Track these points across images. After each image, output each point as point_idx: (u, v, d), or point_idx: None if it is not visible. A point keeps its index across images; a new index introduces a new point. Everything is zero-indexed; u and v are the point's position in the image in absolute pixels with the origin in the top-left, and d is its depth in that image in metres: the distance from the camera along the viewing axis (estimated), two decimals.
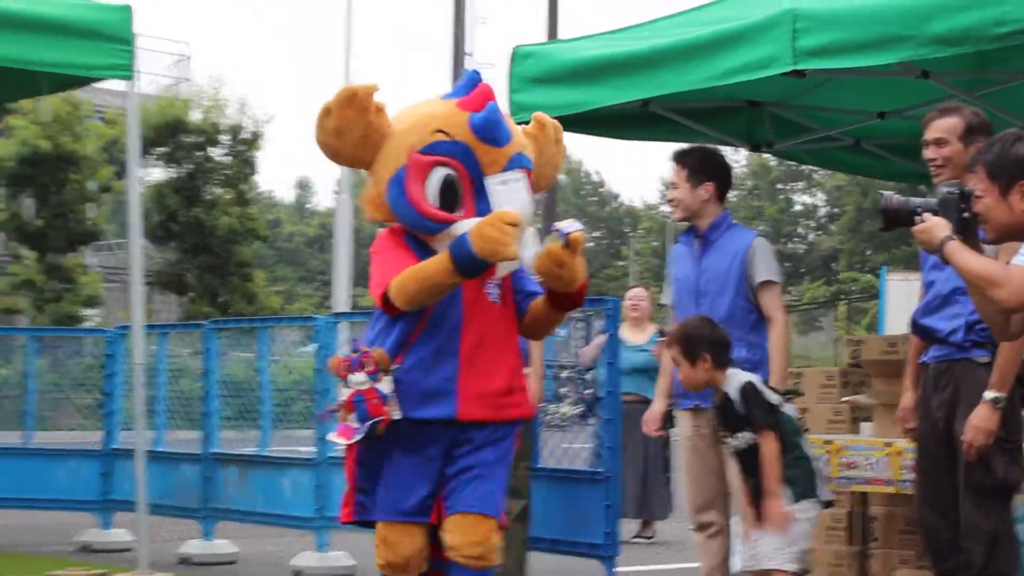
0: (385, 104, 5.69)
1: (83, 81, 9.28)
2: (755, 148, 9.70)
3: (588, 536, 8.24)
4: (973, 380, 6.36)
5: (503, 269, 5.57)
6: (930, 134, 6.76)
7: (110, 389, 11.51)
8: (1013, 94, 8.87)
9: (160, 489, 10.77)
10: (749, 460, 6.60)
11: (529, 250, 5.53)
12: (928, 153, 6.76)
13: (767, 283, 7.26)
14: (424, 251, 5.58)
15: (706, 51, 7.46)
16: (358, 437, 5.44)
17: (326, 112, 5.62)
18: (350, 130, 5.60)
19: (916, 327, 6.78)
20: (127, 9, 8.52)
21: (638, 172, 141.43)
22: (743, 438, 6.56)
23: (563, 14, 33.03)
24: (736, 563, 7.41)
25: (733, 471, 7.12)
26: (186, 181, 37.92)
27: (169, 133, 37.45)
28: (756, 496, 6.62)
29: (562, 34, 31.01)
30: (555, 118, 8.60)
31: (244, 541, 10.76)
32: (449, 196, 5.55)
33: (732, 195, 7.60)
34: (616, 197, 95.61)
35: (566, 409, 17.67)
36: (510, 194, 5.53)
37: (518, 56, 8.53)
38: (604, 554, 8.16)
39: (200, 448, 10.80)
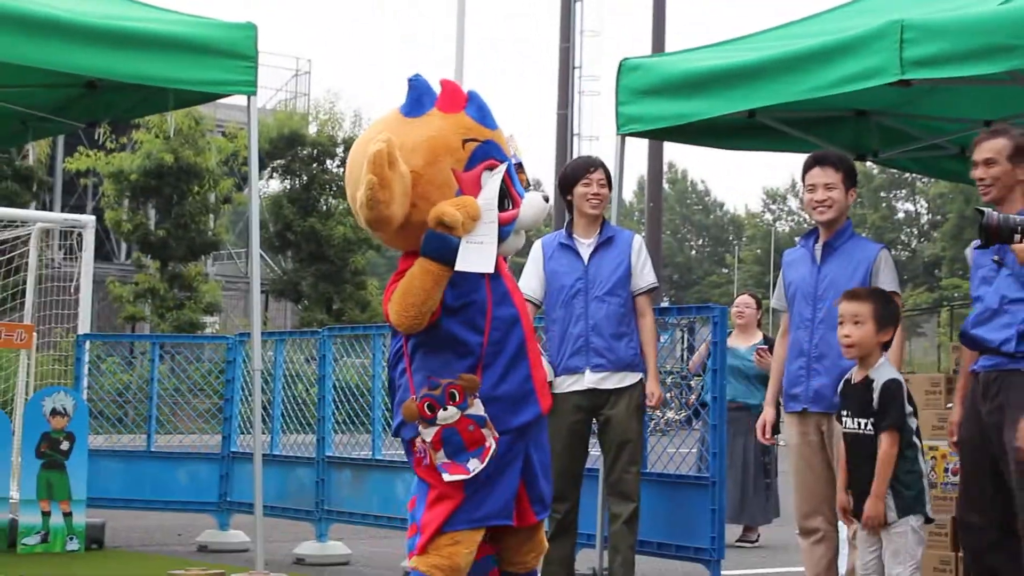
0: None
1: (209, 97, 9.33)
2: (860, 157, 9.63)
3: (694, 540, 8.20)
4: (1022, 389, 6.35)
5: (464, 264, 5.33)
6: (979, 155, 6.79)
7: (229, 394, 11.58)
8: None
9: (276, 491, 10.85)
10: (857, 450, 6.53)
11: (486, 244, 5.36)
12: (977, 172, 6.77)
13: (892, 294, 7.17)
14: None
15: (813, 62, 7.42)
16: (476, 469, 5.32)
17: (377, 192, 5.27)
18: (396, 196, 5.32)
19: (966, 338, 6.78)
20: (252, 27, 8.59)
21: (741, 182, 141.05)
22: (862, 424, 6.48)
23: (670, 27, 32.99)
24: (842, 566, 7.34)
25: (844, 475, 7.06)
26: (302, 192, 38.21)
27: (286, 146, 37.78)
28: (852, 487, 6.58)
29: (669, 47, 30.98)
30: (660, 130, 8.65)
31: (357, 543, 10.79)
32: (502, 195, 5.46)
33: (854, 201, 7.52)
34: (721, 206, 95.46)
35: (671, 414, 17.63)
36: (488, 184, 5.40)
37: (625, 69, 8.53)
38: (710, 557, 8.10)
39: (315, 452, 10.84)
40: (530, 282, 8.20)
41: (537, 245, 8.42)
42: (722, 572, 8.13)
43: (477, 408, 5.32)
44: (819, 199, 7.32)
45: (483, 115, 5.51)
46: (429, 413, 5.29)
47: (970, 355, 6.77)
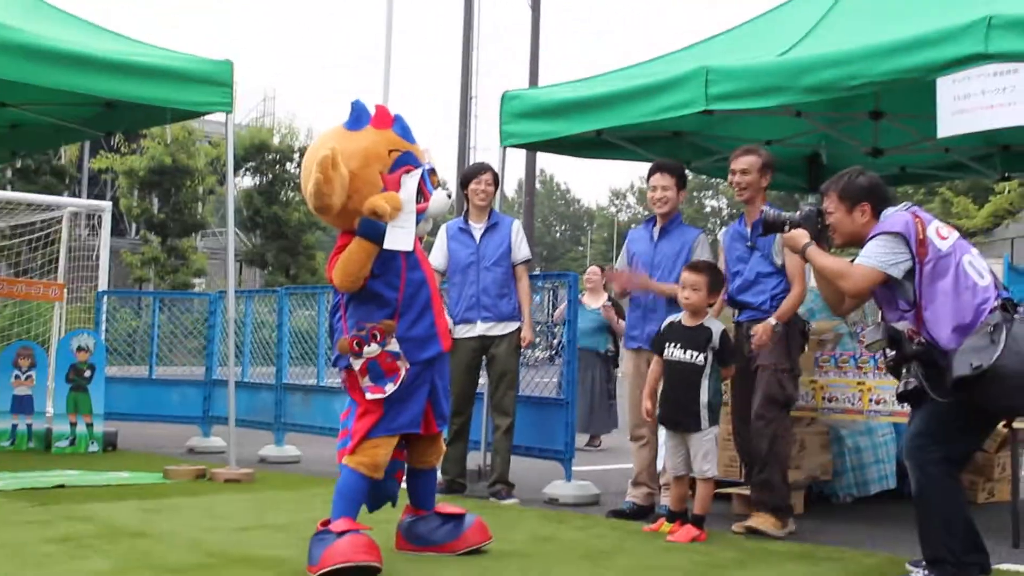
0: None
1: (197, 114, 9.25)
2: None
3: (553, 445, 8.24)
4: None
5: (390, 243, 5.27)
6: (737, 166, 6.99)
7: (211, 336, 11.49)
8: (860, 128, 8.91)
9: (245, 408, 10.77)
10: (682, 374, 6.55)
11: (407, 229, 5.32)
12: (735, 179, 6.97)
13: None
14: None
15: (643, 95, 7.48)
16: (391, 390, 5.31)
17: (321, 184, 5.25)
18: (336, 187, 5.30)
19: (733, 301, 7.06)
20: (229, 63, 8.56)
21: (592, 183, 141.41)
22: (693, 355, 6.53)
23: (542, 65, 33.14)
24: (659, 464, 7.42)
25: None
26: (268, 187, 38.00)
27: (256, 152, 37.53)
28: (668, 400, 6.59)
29: (541, 82, 30.99)
30: (533, 143, 8.66)
31: (306, 447, 10.75)
32: (417, 191, 5.39)
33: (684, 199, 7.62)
34: (578, 201, 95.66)
35: (539, 353, 17.70)
36: (407, 183, 5.37)
37: (507, 98, 8.52)
38: (564, 457, 8.16)
39: (274, 379, 10.78)
40: (437, 256, 8.21)
41: (442, 229, 8.43)
42: (572, 468, 8.20)
43: (393, 345, 5.33)
44: (658, 197, 7.44)
45: (405, 132, 5.50)
46: (357, 348, 5.30)
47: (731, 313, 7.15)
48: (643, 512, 7.31)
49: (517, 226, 8.25)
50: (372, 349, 5.30)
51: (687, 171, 8.69)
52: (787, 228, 5.56)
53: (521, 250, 8.20)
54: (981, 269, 5.07)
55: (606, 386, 12.31)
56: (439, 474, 6.97)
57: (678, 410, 6.55)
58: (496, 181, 8.34)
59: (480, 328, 8.06)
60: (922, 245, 5.04)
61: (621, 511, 7.34)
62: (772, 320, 6.64)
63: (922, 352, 5.00)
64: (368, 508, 5.53)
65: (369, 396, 5.29)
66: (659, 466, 7.41)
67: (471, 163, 37.16)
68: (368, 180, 5.30)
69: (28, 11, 8.18)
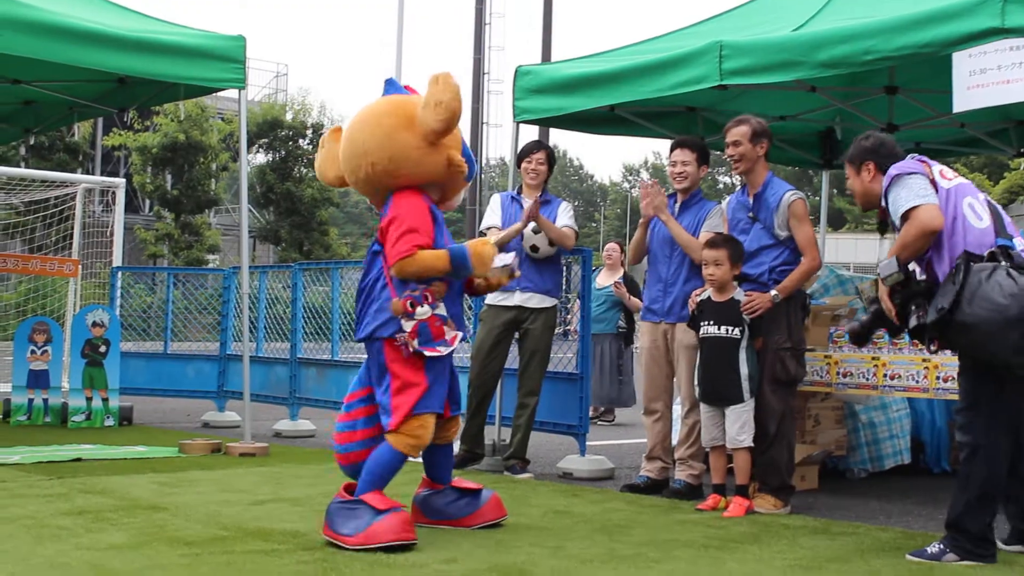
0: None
1: (209, 90, 9.29)
2: None
3: (567, 419, 8.26)
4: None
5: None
6: (729, 138, 6.94)
7: (225, 312, 11.52)
8: (875, 103, 8.88)
9: (260, 383, 10.83)
10: (717, 349, 6.60)
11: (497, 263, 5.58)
12: (729, 151, 6.92)
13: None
14: (431, 204, 5.53)
15: (657, 71, 7.45)
16: (446, 352, 5.32)
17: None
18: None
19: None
20: (242, 38, 8.57)
21: (605, 159, 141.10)
22: (728, 330, 6.58)
23: (555, 42, 33.02)
24: (673, 438, 7.43)
25: (682, 373, 7.16)
26: (281, 163, 38.00)
27: (269, 128, 37.54)
28: (704, 376, 6.66)
29: (554, 57, 30.94)
30: (546, 119, 8.63)
31: (320, 420, 10.79)
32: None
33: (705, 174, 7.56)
34: (591, 177, 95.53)
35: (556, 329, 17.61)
36: (498, 260, 5.59)
37: (520, 73, 8.50)
38: (578, 432, 8.18)
39: (288, 354, 10.81)
40: (493, 219, 8.15)
41: (496, 197, 8.40)
42: (586, 443, 8.22)
43: (441, 310, 5.33)
44: (677, 172, 7.40)
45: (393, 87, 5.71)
46: (411, 308, 5.28)
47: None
48: (657, 486, 7.31)
49: (565, 205, 8.16)
50: (424, 311, 5.28)
51: None
52: (873, 322, 5.48)
53: (562, 219, 8.06)
54: (980, 212, 5.09)
55: (616, 362, 12.25)
56: (456, 445, 6.97)
57: (718, 384, 6.59)
58: (549, 160, 8.22)
59: (518, 298, 7.98)
60: (932, 184, 5.12)
61: (635, 485, 7.34)
62: (773, 292, 6.62)
63: (925, 291, 5.02)
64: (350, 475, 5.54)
65: (428, 354, 5.24)
66: (673, 440, 7.42)
67: (485, 140, 36.86)
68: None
69: None
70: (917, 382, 6.67)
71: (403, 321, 5.28)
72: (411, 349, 5.27)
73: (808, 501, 6.99)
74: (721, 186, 78.28)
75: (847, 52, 6.36)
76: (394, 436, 5.31)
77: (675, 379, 7.33)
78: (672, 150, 7.46)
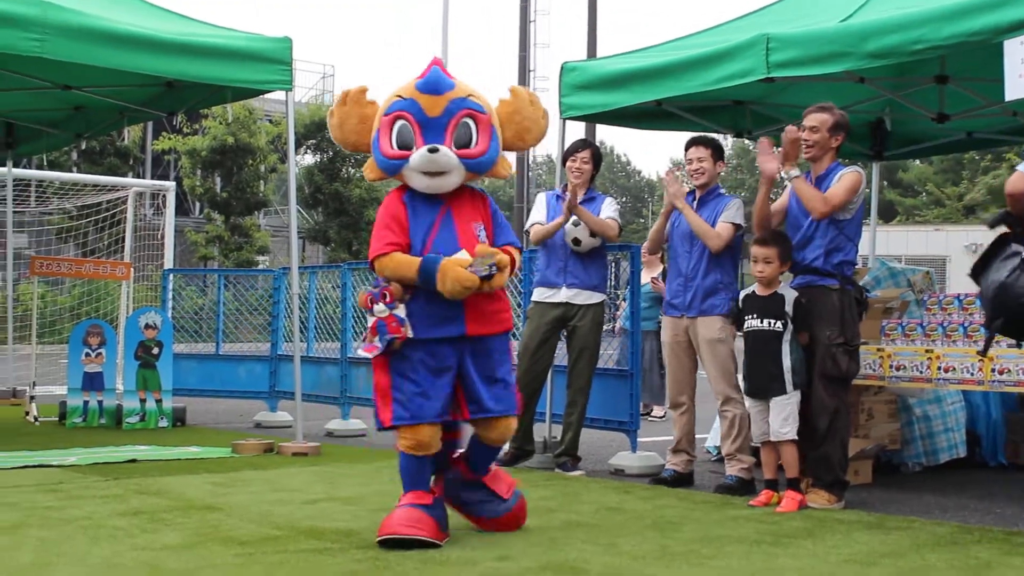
0: (376, 100, 5.45)
1: (256, 92, 9.38)
2: (739, 135, 9.66)
3: (618, 416, 8.22)
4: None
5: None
6: (808, 122, 6.81)
7: (275, 312, 11.59)
8: (925, 93, 8.80)
9: (311, 383, 10.88)
10: (761, 342, 6.57)
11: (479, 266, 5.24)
12: (804, 135, 6.77)
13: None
14: (412, 197, 5.36)
15: (703, 65, 7.44)
16: (379, 351, 5.21)
17: (330, 114, 5.48)
18: (347, 120, 5.41)
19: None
20: (288, 40, 8.62)
21: (653, 154, 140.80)
22: (771, 324, 6.56)
23: (600, 38, 32.90)
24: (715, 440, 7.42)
25: (709, 368, 7.21)
26: (328, 164, 38.12)
27: (316, 129, 37.63)
28: (750, 370, 6.62)
29: (600, 53, 30.85)
30: (593, 115, 8.61)
31: (371, 420, 10.79)
32: (404, 139, 5.31)
33: (722, 171, 7.54)
34: (638, 172, 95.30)
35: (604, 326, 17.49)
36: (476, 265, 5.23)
37: (566, 69, 8.50)
38: (629, 428, 8.15)
39: (339, 354, 10.86)
40: (538, 216, 8.17)
41: (541, 195, 8.41)
42: (637, 439, 8.19)
43: (400, 311, 5.24)
44: (694, 168, 7.47)
45: (424, 82, 5.36)
46: (370, 304, 5.26)
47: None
48: (683, 479, 7.35)
49: (609, 200, 8.12)
50: (380, 309, 5.21)
51: (747, 140, 8.61)
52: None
53: (605, 212, 8.02)
54: None
55: (657, 356, 12.17)
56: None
57: (762, 377, 6.56)
58: (595, 158, 8.18)
59: (564, 294, 7.96)
60: None
61: (663, 479, 7.35)
62: (796, 171, 6.69)
63: None
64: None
65: (360, 352, 5.27)
66: (716, 440, 7.40)
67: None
68: (375, 121, 5.38)
69: None
70: (972, 374, 6.59)
71: (368, 316, 5.29)
72: (357, 347, 5.30)
73: (862, 496, 6.93)
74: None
75: (896, 42, 6.31)
76: (399, 440, 5.30)
77: (707, 375, 7.34)
78: (688, 148, 7.54)
